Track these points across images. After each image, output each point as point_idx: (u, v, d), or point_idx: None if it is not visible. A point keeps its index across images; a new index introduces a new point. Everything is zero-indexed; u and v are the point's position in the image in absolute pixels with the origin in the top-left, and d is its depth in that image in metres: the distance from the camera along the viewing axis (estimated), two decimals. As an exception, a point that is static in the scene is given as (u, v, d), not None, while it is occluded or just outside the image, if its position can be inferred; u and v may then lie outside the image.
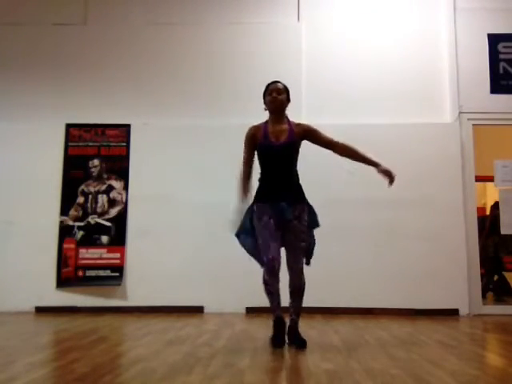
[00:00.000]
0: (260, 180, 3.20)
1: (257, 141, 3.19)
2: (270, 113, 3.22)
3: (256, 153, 3.23)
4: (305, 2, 5.41)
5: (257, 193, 3.17)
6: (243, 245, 3.20)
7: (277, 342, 3.06)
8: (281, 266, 3.07)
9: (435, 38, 5.30)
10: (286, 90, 3.22)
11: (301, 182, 4.94)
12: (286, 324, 3.15)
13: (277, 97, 3.15)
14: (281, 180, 3.12)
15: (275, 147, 3.12)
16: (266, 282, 3.10)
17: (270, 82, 3.27)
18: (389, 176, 3.16)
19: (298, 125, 3.22)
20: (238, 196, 3.20)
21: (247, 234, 3.17)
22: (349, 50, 5.36)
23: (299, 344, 3.02)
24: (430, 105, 5.21)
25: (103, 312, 4.83)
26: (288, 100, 3.24)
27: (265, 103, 3.23)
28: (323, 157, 5.09)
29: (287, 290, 3.13)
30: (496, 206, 6.78)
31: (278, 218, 3.05)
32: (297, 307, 3.13)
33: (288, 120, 3.24)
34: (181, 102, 5.33)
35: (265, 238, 3.05)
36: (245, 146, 3.24)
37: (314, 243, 3.26)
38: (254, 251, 3.16)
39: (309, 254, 3.22)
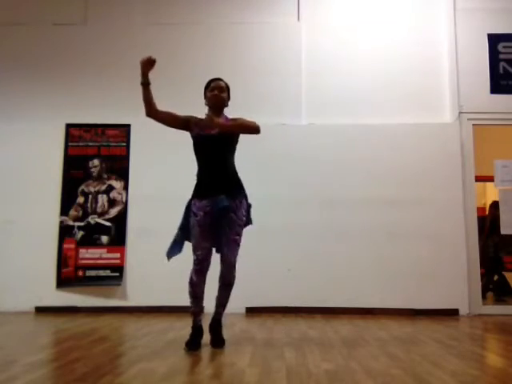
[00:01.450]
0: (197, 175, 3.18)
1: (191, 128, 3.21)
2: (210, 108, 3.23)
3: (193, 146, 3.25)
4: (305, 2, 5.41)
5: (194, 189, 3.15)
6: (178, 236, 3.19)
7: (192, 346, 3.03)
8: (209, 266, 3.08)
9: (435, 38, 5.30)
10: (227, 89, 3.27)
11: (301, 182, 4.94)
12: (203, 331, 3.16)
13: (218, 94, 3.18)
14: (218, 172, 3.10)
15: (210, 136, 3.11)
16: (191, 283, 3.12)
17: (211, 78, 3.29)
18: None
19: (233, 118, 3.22)
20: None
21: (184, 229, 3.14)
22: (349, 49, 5.36)
23: (217, 343, 3.08)
24: (430, 105, 5.21)
25: (103, 312, 4.83)
26: (228, 98, 3.28)
27: (205, 98, 3.26)
28: (323, 157, 5.12)
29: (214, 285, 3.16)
30: (494, 205, 6.79)
31: (216, 211, 3.01)
32: (223, 300, 3.16)
33: (225, 116, 3.25)
34: (181, 102, 5.29)
35: (196, 237, 3.05)
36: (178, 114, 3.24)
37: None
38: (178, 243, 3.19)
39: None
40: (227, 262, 3.08)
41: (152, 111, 3.25)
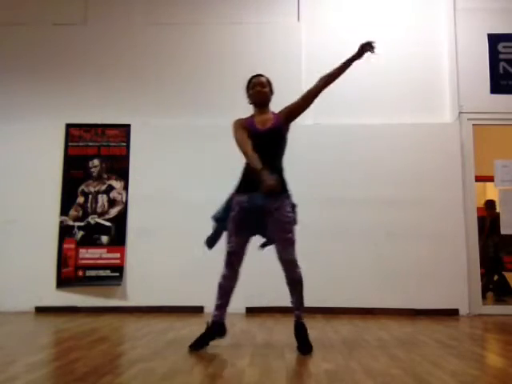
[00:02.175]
0: (243, 170, 3.16)
1: (245, 130, 3.14)
2: (255, 106, 3.23)
3: None
4: (305, 2, 5.41)
5: (237, 184, 3.14)
6: (217, 227, 3.18)
7: (197, 345, 2.97)
8: (242, 263, 3.08)
9: (435, 38, 5.30)
10: (269, 83, 3.25)
11: (301, 182, 4.92)
12: (225, 330, 3.09)
13: (261, 90, 3.17)
14: None
15: (262, 133, 3.09)
16: (222, 276, 3.11)
17: (251, 75, 3.27)
18: (368, 46, 3.25)
19: (280, 112, 3.23)
20: (255, 164, 2.92)
21: (223, 221, 3.15)
22: (349, 49, 5.31)
23: (304, 349, 2.93)
24: (430, 105, 5.21)
25: (103, 312, 4.83)
26: (271, 92, 3.26)
27: (248, 97, 3.25)
28: (323, 156, 5.12)
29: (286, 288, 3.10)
30: (489, 205, 6.79)
31: (255, 209, 3.01)
32: (297, 301, 3.06)
33: (272, 111, 3.25)
34: (181, 102, 5.33)
35: (230, 230, 3.07)
36: (236, 130, 3.11)
37: None
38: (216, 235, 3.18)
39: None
40: (285, 261, 3.05)
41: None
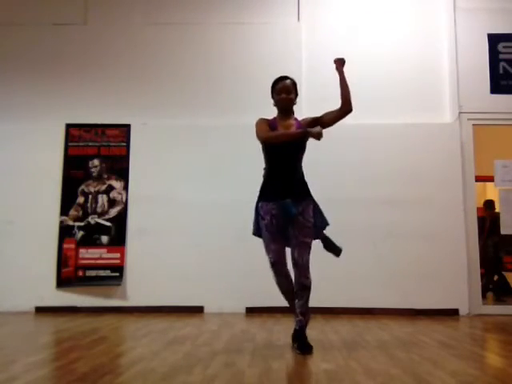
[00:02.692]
0: (265, 176, 3.16)
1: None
2: (279, 110, 3.22)
3: (262, 148, 3.17)
4: (305, 2, 5.41)
5: (261, 191, 3.15)
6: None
7: (306, 349, 2.94)
8: (287, 265, 3.07)
9: (435, 38, 5.30)
10: (294, 87, 3.22)
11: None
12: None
13: (286, 97, 3.16)
14: (286, 176, 3.09)
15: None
16: (277, 283, 3.13)
17: (277, 77, 3.24)
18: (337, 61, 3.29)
19: (304, 119, 3.24)
20: (293, 135, 3.05)
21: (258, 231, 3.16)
22: (349, 49, 5.34)
23: (303, 350, 2.92)
24: (430, 105, 5.21)
25: (103, 312, 4.83)
26: (296, 96, 3.25)
27: (273, 99, 3.23)
28: (323, 157, 5.12)
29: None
30: (488, 205, 6.79)
31: (282, 215, 3.03)
32: (302, 308, 3.04)
33: (294, 117, 3.25)
34: (181, 102, 5.33)
35: (267, 240, 3.07)
36: (261, 124, 3.12)
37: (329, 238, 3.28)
38: None
39: (332, 247, 3.26)
40: (299, 265, 3.03)
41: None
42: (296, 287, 3.06)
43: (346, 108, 3.24)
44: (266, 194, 3.11)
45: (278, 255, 3.04)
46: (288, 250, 3.13)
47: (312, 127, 3.09)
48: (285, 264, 3.08)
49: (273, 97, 3.23)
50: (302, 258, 3.03)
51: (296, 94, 3.24)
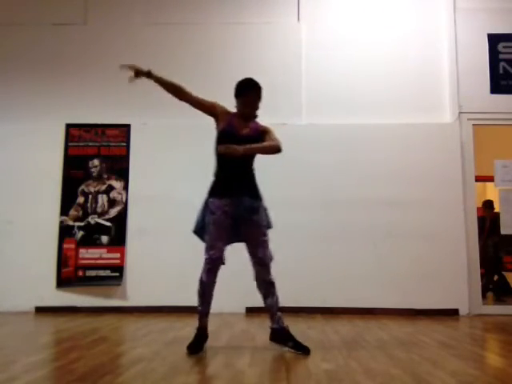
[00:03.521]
0: (216, 174, 3.14)
1: (220, 122, 3.16)
2: (240, 116, 3.18)
3: (215, 143, 3.17)
4: (305, 2, 5.41)
5: (212, 187, 3.12)
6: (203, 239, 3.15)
7: (195, 349, 2.95)
8: (221, 266, 3.06)
9: (435, 38, 5.30)
10: (260, 95, 3.18)
11: (300, 182, 4.97)
12: (207, 335, 3.10)
13: (252, 111, 3.15)
14: (240, 173, 3.09)
15: (238, 136, 3.08)
16: (201, 282, 3.07)
17: (245, 83, 3.19)
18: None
19: (261, 125, 3.21)
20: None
21: (202, 229, 3.13)
22: (349, 49, 5.36)
23: (301, 349, 2.92)
24: (430, 105, 5.21)
25: (103, 312, 4.83)
26: (260, 101, 3.20)
27: (237, 102, 3.18)
28: (323, 156, 5.12)
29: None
30: (488, 205, 6.79)
31: (237, 213, 3.01)
32: (276, 304, 3.06)
33: (255, 122, 3.23)
34: (181, 102, 5.30)
35: (211, 236, 3.02)
36: (210, 101, 3.20)
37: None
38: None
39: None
40: (263, 264, 3.04)
41: (178, 95, 3.23)
42: (263, 286, 3.07)
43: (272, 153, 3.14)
44: (218, 190, 3.08)
45: (220, 253, 3.02)
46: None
47: (260, 135, 3.10)
48: (221, 264, 3.05)
49: (237, 99, 3.18)
50: (265, 256, 3.05)
51: (260, 100, 3.20)
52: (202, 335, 3.07)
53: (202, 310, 3.10)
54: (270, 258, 3.08)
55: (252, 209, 3.03)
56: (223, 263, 3.08)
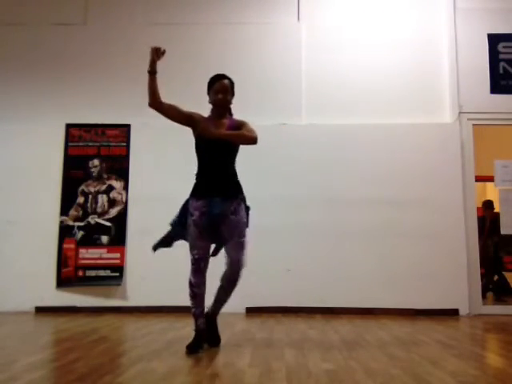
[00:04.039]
0: (196, 175, 3.18)
1: (195, 125, 3.15)
2: (214, 109, 3.21)
3: (195, 147, 3.19)
4: (305, 2, 5.41)
5: (193, 188, 3.15)
6: (171, 232, 3.23)
7: (194, 349, 2.97)
8: (207, 266, 3.09)
9: (435, 38, 5.30)
10: (231, 87, 3.22)
11: (300, 182, 4.96)
12: (206, 334, 3.12)
13: (222, 98, 3.15)
14: (216, 174, 3.09)
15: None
16: (190, 283, 3.12)
17: (215, 75, 3.25)
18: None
19: (237, 120, 3.22)
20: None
21: (178, 225, 3.18)
22: (349, 49, 5.36)
23: (213, 341, 3.09)
24: (430, 105, 5.21)
25: (103, 312, 4.83)
26: (233, 96, 3.23)
27: (209, 96, 3.22)
28: (323, 157, 5.12)
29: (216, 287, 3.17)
30: (488, 205, 6.79)
31: (213, 213, 3.01)
32: (224, 297, 3.15)
33: (230, 115, 3.25)
34: (181, 102, 5.29)
35: (193, 236, 3.06)
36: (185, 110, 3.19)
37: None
38: (175, 237, 3.25)
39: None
40: (234, 264, 3.06)
41: (156, 102, 3.10)
42: (226, 283, 3.12)
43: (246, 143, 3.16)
44: (196, 191, 3.11)
45: (203, 252, 3.06)
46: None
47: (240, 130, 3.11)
48: (207, 262, 3.09)
49: (209, 93, 3.21)
50: (239, 259, 3.06)
51: (232, 95, 3.23)
52: (200, 335, 3.07)
53: (196, 311, 3.11)
54: (242, 264, 3.08)
55: (226, 209, 3.02)
56: (214, 255, 3.14)
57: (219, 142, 3.05)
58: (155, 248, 3.30)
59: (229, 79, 3.23)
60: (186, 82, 5.36)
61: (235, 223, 3.06)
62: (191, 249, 3.08)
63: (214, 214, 3.01)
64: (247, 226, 3.18)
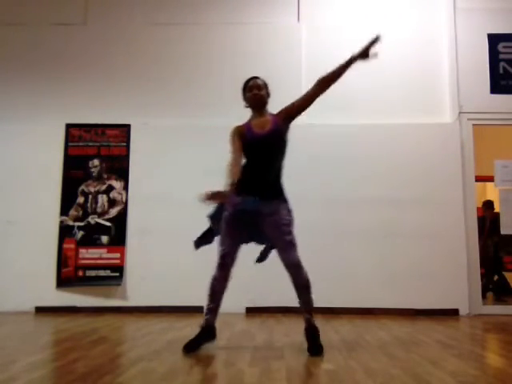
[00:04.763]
0: (242, 173, 3.10)
1: (242, 137, 3.12)
2: (252, 109, 3.20)
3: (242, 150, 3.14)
4: (305, 2, 5.41)
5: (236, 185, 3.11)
6: (211, 225, 3.18)
7: (191, 348, 2.93)
8: (234, 265, 3.06)
9: (435, 38, 5.30)
10: (265, 86, 3.23)
11: (300, 182, 4.95)
12: (214, 333, 3.06)
13: (257, 93, 3.14)
14: (262, 175, 3.06)
15: (261, 137, 3.07)
16: (213, 278, 3.06)
17: (247, 78, 3.25)
18: (372, 43, 3.23)
19: (278, 113, 3.20)
20: (225, 183, 2.96)
21: (214, 218, 3.15)
22: (349, 50, 5.32)
23: (314, 350, 2.89)
24: (430, 105, 5.21)
25: (103, 312, 4.83)
26: (268, 95, 3.24)
27: (245, 100, 3.22)
28: (323, 157, 5.12)
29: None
30: (488, 205, 6.79)
31: (245, 210, 2.99)
32: (307, 304, 3.02)
33: (269, 112, 3.23)
34: (181, 102, 5.33)
35: (224, 231, 3.04)
36: (231, 144, 3.12)
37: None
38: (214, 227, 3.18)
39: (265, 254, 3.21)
40: (290, 265, 2.99)
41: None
42: (295, 288, 3.03)
43: (325, 86, 3.36)
44: (238, 187, 3.03)
45: (229, 249, 3.02)
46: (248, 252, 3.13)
47: (285, 120, 3.13)
48: (234, 261, 3.06)
49: (244, 97, 3.22)
50: (293, 258, 3.00)
51: (268, 94, 3.22)
52: (204, 332, 3.03)
53: (209, 306, 3.07)
54: (299, 264, 2.99)
55: (262, 209, 2.98)
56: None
57: (265, 141, 3.03)
58: (197, 245, 3.24)
59: (258, 77, 3.23)
60: (186, 81, 5.36)
61: (275, 223, 3.01)
62: (220, 243, 3.06)
63: (246, 211, 2.98)
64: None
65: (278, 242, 3.04)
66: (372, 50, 3.15)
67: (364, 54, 3.20)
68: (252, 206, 2.98)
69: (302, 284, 3.00)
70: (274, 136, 3.10)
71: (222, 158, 5.08)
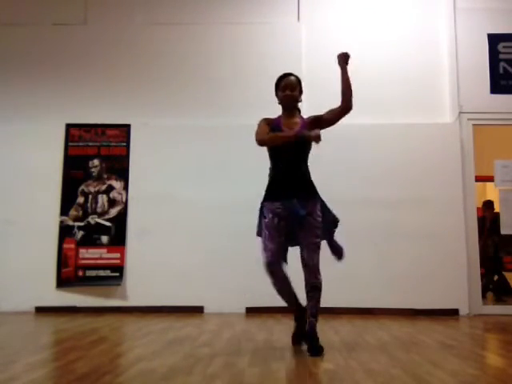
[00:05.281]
0: (270, 176, 3.12)
1: (270, 129, 3.09)
2: (283, 108, 3.18)
3: (267, 148, 3.13)
4: (305, 2, 5.41)
5: (266, 191, 3.09)
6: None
7: (295, 340, 3.13)
8: (282, 266, 3.04)
9: (435, 38, 5.30)
10: (299, 84, 3.18)
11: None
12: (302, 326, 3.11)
13: (290, 94, 3.11)
14: (292, 175, 3.04)
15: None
16: (272, 284, 3.10)
17: (281, 74, 3.20)
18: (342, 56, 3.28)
19: (308, 117, 3.20)
20: (285, 137, 2.99)
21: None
22: (348, 49, 5.33)
23: (314, 352, 2.88)
24: (430, 105, 5.21)
25: (103, 312, 4.83)
26: (301, 93, 3.21)
27: (277, 97, 3.19)
28: (323, 156, 5.12)
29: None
30: (488, 205, 6.79)
31: (289, 215, 2.98)
32: (312, 309, 3.02)
33: (300, 115, 3.22)
34: (181, 102, 5.33)
35: (265, 239, 3.01)
36: (260, 126, 3.08)
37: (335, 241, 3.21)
38: None
39: (336, 249, 3.21)
40: (308, 266, 3.01)
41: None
42: (306, 288, 3.04)
43: (344, 106, 3.19)
44: (270, 193, 3.06)
45: (274, 255, 2.98)
46: (293, 252, 3.11)
47: (313, 127, 3.05)
48: (280, 264, 3.03)
49: (277, 94, 3.20)
50: (313, 260, 3.01)
51: (301, 92, 3.20)
52: (298, 327, 3.16)
53: (289, 306, 3.21)
54: (318, 268, 3.04)
55: (296, 211, 2.96)
56: (285, 262, 3.10)
57: (293, 142, 3.00)
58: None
59: (295, 76, 3.18)
60: (186, 81, 5.36)
61: (310, 225, 3.00)
62: (263, 252, 3.01)
63: (293, 215, 2.96)
64: (338, 220, 3.13)
65: (306, 243, 3.03)
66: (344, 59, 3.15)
67: (340, 64, 3.29)
68: (297, 210, 2.96)
69: (315, 284, 3.03)
70: (300, 136, 3.03)
71: (221, 157, 5.14)
